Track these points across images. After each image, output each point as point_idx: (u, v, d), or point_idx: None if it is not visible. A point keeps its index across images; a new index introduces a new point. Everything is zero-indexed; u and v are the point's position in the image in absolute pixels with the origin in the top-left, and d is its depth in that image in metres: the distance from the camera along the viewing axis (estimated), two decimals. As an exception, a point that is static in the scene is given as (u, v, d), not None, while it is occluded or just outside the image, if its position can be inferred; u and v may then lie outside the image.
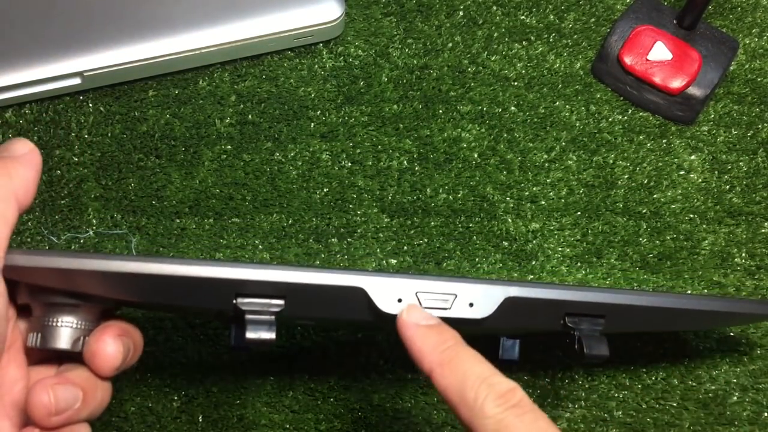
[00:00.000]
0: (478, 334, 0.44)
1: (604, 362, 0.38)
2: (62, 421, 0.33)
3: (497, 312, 0.37)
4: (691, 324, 0.42)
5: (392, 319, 0.36)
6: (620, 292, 0.39)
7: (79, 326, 0.35)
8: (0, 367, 0.34)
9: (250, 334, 0.34)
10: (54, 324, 0.34)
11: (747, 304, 0.41)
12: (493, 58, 0.55)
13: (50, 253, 0.33)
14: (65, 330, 0.34)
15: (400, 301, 0.36)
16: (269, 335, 0.34)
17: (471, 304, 0.36)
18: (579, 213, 0.51)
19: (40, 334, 0.34)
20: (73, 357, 0.35)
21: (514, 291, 0.37)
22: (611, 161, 0.52)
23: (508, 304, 0.37)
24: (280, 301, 0.35)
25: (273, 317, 0.35)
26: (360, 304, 0.36)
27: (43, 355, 0.36)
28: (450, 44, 0.55)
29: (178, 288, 0.34)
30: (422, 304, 0.36)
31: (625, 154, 0.52)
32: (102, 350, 0.34)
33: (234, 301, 0.35)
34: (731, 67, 0.55)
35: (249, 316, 0.35)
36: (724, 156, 0.53)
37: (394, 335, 0.37)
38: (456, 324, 0.37)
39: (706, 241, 0.50)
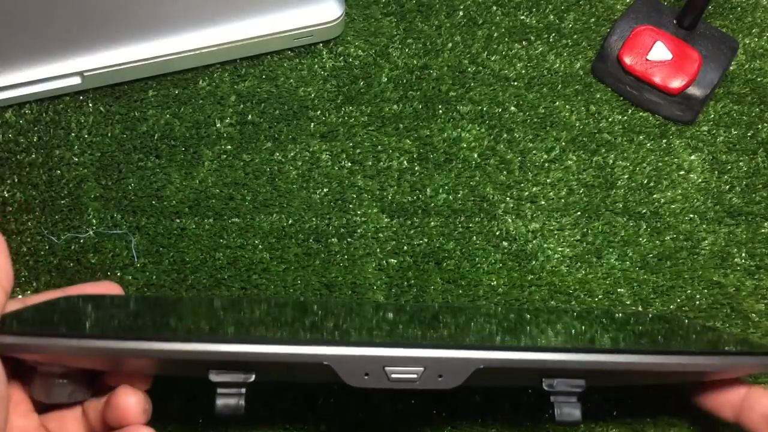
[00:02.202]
0: None
1: (577, 425, 0.38)
2: None
3: (468, 380, 0.36)
4: (682, 378, 0.41)
5: (361, 391, 0.36)
6: (601, 354, 0.37)
7: (75, 381, 0.38)
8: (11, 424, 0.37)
9: (220, 406, 0.36)
10: (53, 383, 0.37)
11: (741, 359, 0.39)
12: (493, 58, 0.55)
13: (31, 338, 0.35)
14: (63, 387, 0.37)
15: (366, 376, 0.35)
16: (238, 410, 0.36)
17: (440, 376, 0.36)
18: (579, 213, 0.51)
19: (41, 391, 0.38)
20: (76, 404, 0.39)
21: (485, 360, 0.36)
22: (611, 161, 0.52)
23: (480, 372, 0.36)
24: (251, 375, 0.36)
25: (243, 389, 0.36)
26: (328, 376, 0.36)
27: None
28: (450, 44, 0.55)
29: (154, 363, 0.36)
30: (389, 378, 0.36)
31: (625, 154, 0.53)
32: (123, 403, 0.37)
33: (207, 373, 0.36)
34: (731, 67, 0.55)
35: (220, 390, 0.36)
36: (724, 156, 0.53)
37: None
38: (426, 394, 0.37)
39: (706, 241, 0.50)
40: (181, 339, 0.35)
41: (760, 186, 0.52)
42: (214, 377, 0.36)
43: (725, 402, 0.41)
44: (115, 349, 0.35)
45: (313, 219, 0.50)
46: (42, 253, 0.48)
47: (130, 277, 0.48)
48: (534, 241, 0.50)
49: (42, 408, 0.39)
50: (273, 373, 0.37)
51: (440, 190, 0.51)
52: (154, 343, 0.35)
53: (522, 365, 0.36)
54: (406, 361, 0.35)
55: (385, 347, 0.36)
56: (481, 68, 0.54)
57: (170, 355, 0.35)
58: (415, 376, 0.36)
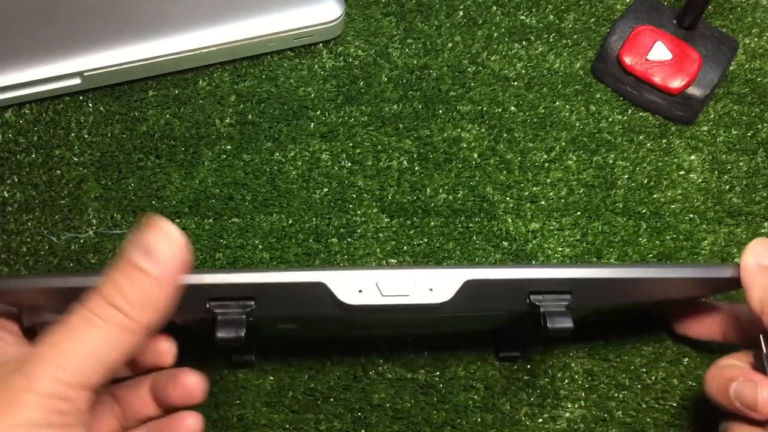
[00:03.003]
0: (449, 325, 0.44)
1: (570, 335, 0.38)
2: None
3: (458, 295, 0.37)
4: (662, 293, 0.42)
5: (356, 309, 0.37)
6: (584, 267, 0.39)
7: None
8: None
9: (221, 333, 0.36)
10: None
11: (714, 269, 0.40)
12: (493, 58, 0.55)
13: (37, 276, 0.37)
14: None
15: (360, 291, 0.37)
16: (239, 333, 0.36)
17: (431, 289, 0.37)
18: (579, 213, 0.51)
19: None
20: None
21: (474, 273, 0.37)
22: (611, 161, 0.52)
23: (469, 286, 0.37)
24: (250, 302, 0.37)
25: (243, 317, 0.37)
26: (324, 298, 0.37)
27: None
28: (450, 44, 0.55)
29: None
30: (382, 292, 0.37)
31: (625, 154, 0.53)
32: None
33: (207, 305, 0.37)
34: (731, 67, 0.55)
35: (219, 317, 0.37)
36: (724, 156, 0.53)
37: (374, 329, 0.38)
38: (418, 310, 0.37)
39: (706, 241, 0.50)
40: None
41: (760, 186, 0.52)
42: (215, 308, 0.37)
43: (711, 325, 0.45)
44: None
45: (313, 219, 0.50)
46: (42, 253, 0.48)
47: (130, 277, 0.48)
48: (534, 241, 0.50)
49: None
50: (271, 301, 0.37)
51: (440, 190, 0.51)
52: None
53: (509, 276, 0.38)
54: (397, 276, 0.37)
55: (377, 268, 0.38)
56: (481, 68, 0.54)
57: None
58: (407, 290, 0.37)
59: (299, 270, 0.37)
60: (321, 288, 0.37)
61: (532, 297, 0.39)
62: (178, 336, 0.40)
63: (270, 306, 0.37)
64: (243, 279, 0.36)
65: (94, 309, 0.31)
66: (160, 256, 0.31)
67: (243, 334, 0.36)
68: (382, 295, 0.37)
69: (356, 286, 0.37)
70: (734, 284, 0.39)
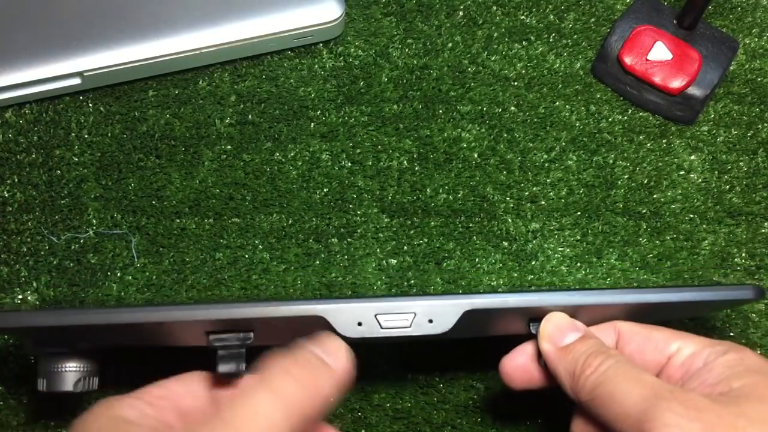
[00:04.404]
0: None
1: None
2: None
3: (458, 325, 0.37)
4: (663, 316, 0.42)
5: (356, 342, 0.37)
6: (583, 293, 0.39)
7: (79, 369, 0.38)
8: None
9: (222, 368, 0.36)
10: (57, 370, 0.38)
11: (718, 291, 0.40)
12: (493, 58, 0.55)
13: (31, 313, 0.36)
14: (69, 374, 0.38)
15: (360, 324, 0.37)
16: (239, 367, 0.36)
17: (430, 321, 0.37)
18: (579, 213, 0.51)
19: (45, 380, 0.38)
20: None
21: (474, 303, 0.37)
22: (611, 161, 0.52)
23: (469, 316, 0.37)
24: (250, 334, 0.37)
25: (243, 350, 0.37)
26: (323, 331, 0.37)
27: None
28: (450, 44, 0.55)
29: (153, 332, 0.37)
30: (382, 325, 0.37)
31: (625, 154, 0.53)
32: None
33: (207, 337, 0.37)
34: (731, 67, 0.55)
35: (220, 352, 0.36)
36: (724, 156, 0.53)
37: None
38: (418, 340, 0.38)
39: (706, 241, 0.50)
40: (181, 307, 0.36)
41: (760, 186, 0.52)
42: (215, 341, 0.36)
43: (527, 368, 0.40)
44: (117, 323, 0.35)
45: (313, 219, 0.50)
46: (42, 253, 0.48)
47: (130, 277, 0.48)
48: (534, 241, 0.50)
49: None
50: (271, 332, 0.37)
51: (440, 190, 0.51)
52: (157, 309, 0.36)
53: (509, 306, 0.37)
54: (397, 308, 0.37)
55: (376, 300, 0.37)
56: (481, 68, 0.54)
57: (171, 318, 0.35)
58: (406, 322, 0.37)
59: (298, 303, 0.37)
60: (320, 321, 0.36)
61: (531, 325, 0.39)
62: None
63: (269, 337, 0.37)
64: (242, 314, 0.36)
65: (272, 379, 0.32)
66: (336, 354, 0.34)
67: (244, 368, 0.36)
68: (382, 328, 0.37)
69: (355, 319, 0.37)
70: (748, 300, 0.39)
